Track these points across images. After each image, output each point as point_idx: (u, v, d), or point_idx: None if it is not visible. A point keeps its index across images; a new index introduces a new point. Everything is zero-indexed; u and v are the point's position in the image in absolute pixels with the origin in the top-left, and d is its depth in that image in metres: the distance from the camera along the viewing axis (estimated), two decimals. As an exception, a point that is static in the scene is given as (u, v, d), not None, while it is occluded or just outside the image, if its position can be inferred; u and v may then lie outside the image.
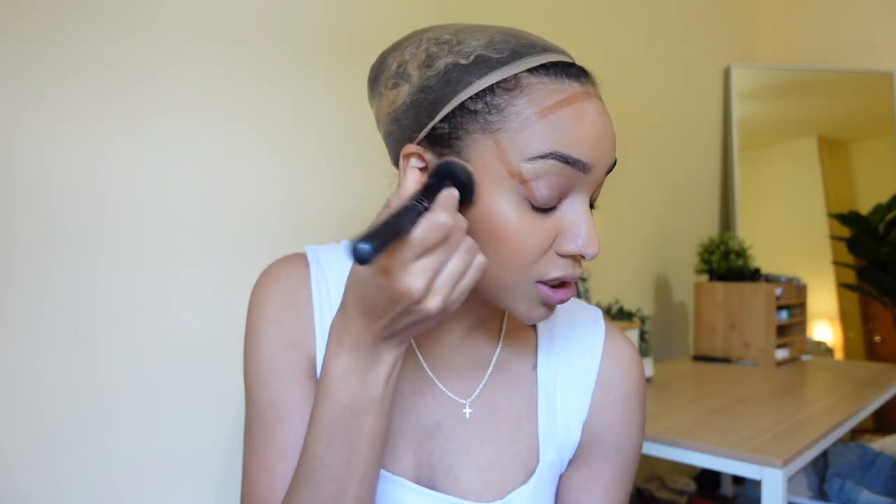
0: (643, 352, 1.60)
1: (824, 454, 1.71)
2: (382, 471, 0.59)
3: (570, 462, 0.65)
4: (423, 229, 0.42)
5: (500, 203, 0.50)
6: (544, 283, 0.53)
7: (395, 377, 0.50)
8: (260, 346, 0.60)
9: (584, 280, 1.57)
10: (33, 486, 0.81)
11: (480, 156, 0.50)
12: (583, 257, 0.52)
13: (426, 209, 0.44)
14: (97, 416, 0.86)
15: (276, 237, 1.04)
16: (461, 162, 0.49)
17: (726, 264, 1.97)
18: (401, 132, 0.55)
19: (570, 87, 0.51)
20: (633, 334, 1.50)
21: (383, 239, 0.39)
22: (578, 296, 1.52)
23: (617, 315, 1.58)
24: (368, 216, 1.16)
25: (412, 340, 0.63)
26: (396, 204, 0.44)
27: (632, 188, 1.92)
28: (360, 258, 0.38)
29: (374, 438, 0.50)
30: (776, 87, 2.53)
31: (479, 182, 0.50)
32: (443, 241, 0.43)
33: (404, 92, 0.54)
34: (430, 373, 0.63)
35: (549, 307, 0.55)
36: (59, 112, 0.82)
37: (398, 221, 0.41)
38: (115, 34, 0.87)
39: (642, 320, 1.61)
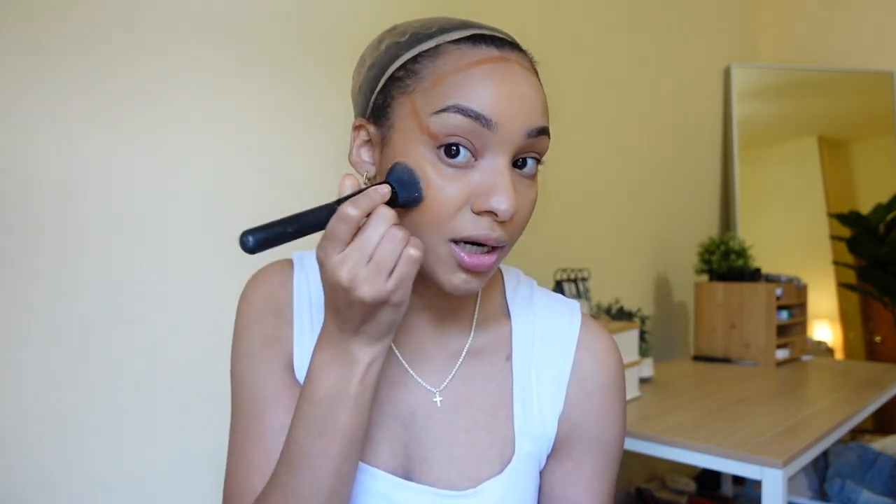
0: (643, 352, 1.60)
1: (824, 454, 1.71)
2: (360, 462, 0.60)
3: (553, 456, 0.65)
4: (332, 222, 0.47)
5: (416, 159, 0.52)
6: (458, 242, 0.53)
7: (372, 376, 0.52)
8: (241, 344, 0.64)
9: (584, 280, 1.57)
10: (34, 485, 0.81)
11: (401, 117, 0.54)
12: (496, 215, 0.52)
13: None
14: (95, 414, 0.86)
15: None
16: (410, 168, 0.52)
17: (726, 264, 1.97)
18: (357, 111, 0.60)
19: (486, 51, 0.53)
20: (633, 334, 1.50)
21: (269, 230, 0.43)
22: (578, 296, 1.52)
23: (617, 315, 1.58)
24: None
25: None
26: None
27: (632, 188, 1.92)
28: (242, 246, 0.42)
29: (349, 433, 0.52)
30: (776, 87, 2.53)
31: (399, 142, 0.53)
32: (359, 232, 0.47)
33: (360, 76, 0.59)
34: (403, 362, 0.64)
35: (470, 273, 0.54)
36: (58, 112, 0.82)
37: (297, 217, 0.45)
38: (115, 35, 0.87)
39: (642, 320, 1.61)
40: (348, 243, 0.47)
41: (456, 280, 0.54)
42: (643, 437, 1.20)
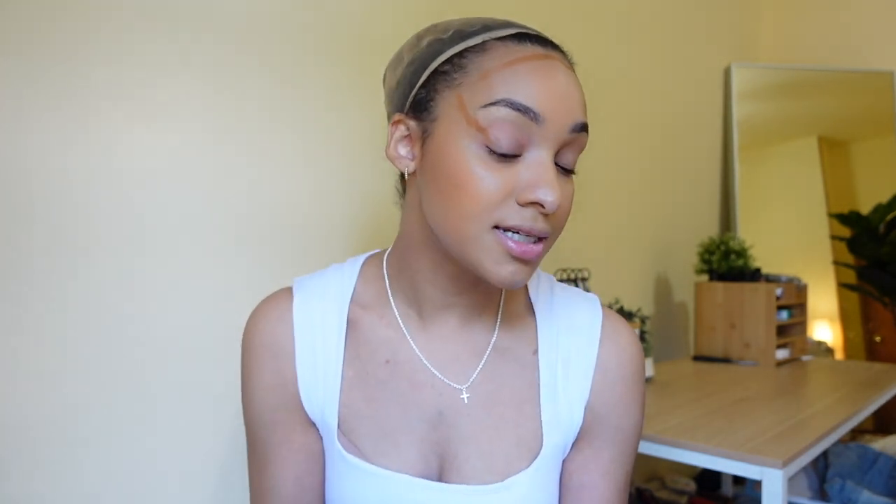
0: (643, 352, 1.60)
1: (825, 454, 1.71)
2: (382, 470, 0.60)
3: (572, 445, 0.66)
4: None
5: (463, 153, 0.53)
6: (503, 230, 0.54)
7: None
8: (246, 390, 0.66)
9: (584, 280, 1.57)
10: (45, 486, 0.81)
11: (447, 110, 0.54)
12: (542, 206, 0.53)
13: None
14: (100, 415, 0.86)
15: (280, 238, 1.04)
16: None
17: (726, 264, 1.97)
18: (394, 109, 0.60)
19: (532, 48, 0.55)
20: (634, 334, 1.50)
21: None
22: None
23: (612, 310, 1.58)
24: (374, 217, 1.16)
25: (407, 335, 0.65)
26: None
27: (632, 188, 1.92)
28: None
29: None
30: (776, 87, 2.52)
31: (445, 134, 0.54)
32: None
33: (398, 73, 0.59)
34: (427, 364, 0.64)
35: (520, 263, 0.55)
36: (64, 113, 0.82)
37: None
38: (118, 36, 0.87)
39: (642, 320, 1.61)
40: None
41: (503, 272, 0.54)
42: (643, 436, 1.20)
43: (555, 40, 0.58)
